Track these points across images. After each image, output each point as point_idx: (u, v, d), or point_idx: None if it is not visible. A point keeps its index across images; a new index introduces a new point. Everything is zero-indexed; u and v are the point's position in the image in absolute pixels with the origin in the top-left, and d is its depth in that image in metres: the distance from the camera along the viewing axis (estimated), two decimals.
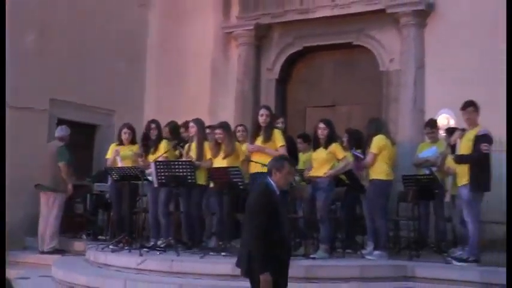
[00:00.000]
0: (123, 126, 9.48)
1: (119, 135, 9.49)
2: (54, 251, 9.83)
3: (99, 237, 10.48)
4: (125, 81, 12.36)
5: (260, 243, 5.09)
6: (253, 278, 5.22)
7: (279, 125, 9.12)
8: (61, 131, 10.14)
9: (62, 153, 9.89)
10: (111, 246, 8.80)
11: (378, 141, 8.48)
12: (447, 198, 8.88)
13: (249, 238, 5.24)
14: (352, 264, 8.02)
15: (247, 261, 5.22)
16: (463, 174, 7.99)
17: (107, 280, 7.69)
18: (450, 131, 8.71)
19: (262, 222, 5.10)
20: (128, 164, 9.14)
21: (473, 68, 10.08)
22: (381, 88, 11.12)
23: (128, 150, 9.34)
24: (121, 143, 9.44)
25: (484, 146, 7.87)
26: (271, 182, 5.31)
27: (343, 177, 8.76)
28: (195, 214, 8.85)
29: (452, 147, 8.27)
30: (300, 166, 9.13)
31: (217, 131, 8.68)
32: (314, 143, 8.78)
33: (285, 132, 9.17)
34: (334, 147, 8.49)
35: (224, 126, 8.79)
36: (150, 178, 8.84)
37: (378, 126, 8.75)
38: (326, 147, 8.50)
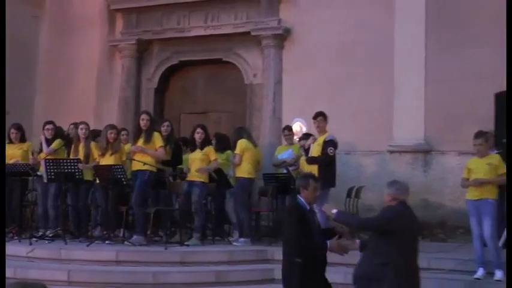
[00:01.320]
0: (11, 127, 9.03)
1: (9, 134, 9.00)
2: None
3: None
4: (17, 85, 11.62)
5: (301, 245, 5.05)
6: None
7: (164, 128, 8.97)
8: None
9: None
10: None
11: (240, 144, 8.57)
12: None
13: (285, 250, 5.23)
14: (221, 249, 8.06)
15: (284, 271, 5.20)
16: (313, 173, 8.10)
17: None
18: (305, 136, 8.87)
19: (296, 232, 5.08)
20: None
21: (320, 84, 10.34)
22: (246, 99, 11.19)
23: (18, 149, 8.88)
24: (11, 141, 8.96)
25: (330, 150, 8.06)
26: (301, 198, 5.27)
27: (213, 174, 8.77)
28: (82, 207, 8.62)
29: (307, 151, 8.44)
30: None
31: (111, 130, 8.47)
32: (191, 146, 8.76)
33: (172, 135, 9.08)
34: (208, 149, 8.52)
35: (116, 127, 8.70)
36: (39, 173, 8.50)
37: (240, 133, 8.84)
38: (202, 149, 8.50)
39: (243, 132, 8.90)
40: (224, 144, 9.18)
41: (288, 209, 5.48)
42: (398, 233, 4.90)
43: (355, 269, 5.06)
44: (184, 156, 9.07)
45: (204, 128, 8.63)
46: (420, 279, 5.11)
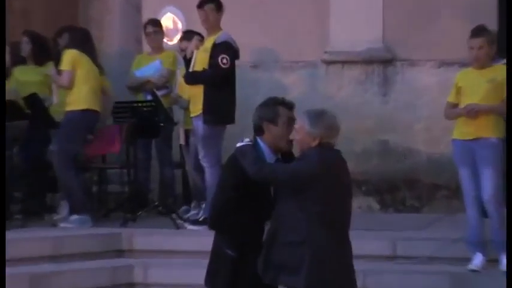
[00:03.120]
0: None
1: None
2: None
3: None
4: None
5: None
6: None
7: None
8: None
9: None
10: None
11: (68, 55, 8.65)
12: (181, 139, 9.17)
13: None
14: (42, 236, 8.12)
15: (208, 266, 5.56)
16: (196, 100, 8.23)
17: None
18: (188, 36, 8.89)
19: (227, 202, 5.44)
20: None
21: None
22: None
23: None
24: None
25: (223, 59, 8.09)
26: (261, 142, 5.48)
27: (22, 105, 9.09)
28: None
29: (188, 61, 8.39)
30: None
31: None
32: None
33: None
34: None
35: None
36: None
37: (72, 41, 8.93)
38: None
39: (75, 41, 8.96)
40: (44, 51, 9.44)
41: (226, 162, 5.75)
42: (318, 195, 5.14)
43: (262, 253, 5.30)
44: None
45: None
46: (353, 268, 5.36)
